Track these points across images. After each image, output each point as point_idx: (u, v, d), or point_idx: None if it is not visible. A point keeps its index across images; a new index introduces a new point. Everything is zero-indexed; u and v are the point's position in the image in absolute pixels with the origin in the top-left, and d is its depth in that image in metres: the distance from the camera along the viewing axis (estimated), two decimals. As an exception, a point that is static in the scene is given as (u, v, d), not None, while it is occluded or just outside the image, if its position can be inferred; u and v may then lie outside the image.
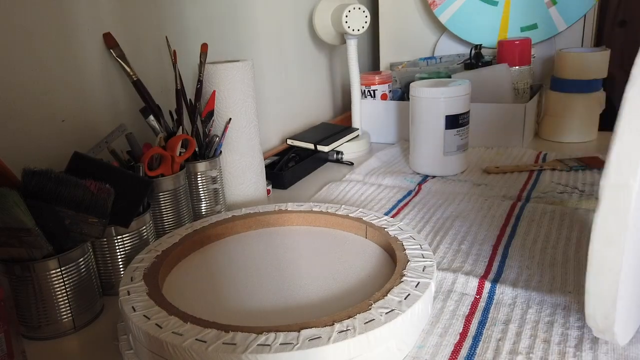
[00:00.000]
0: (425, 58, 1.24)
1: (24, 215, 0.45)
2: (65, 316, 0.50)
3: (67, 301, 0.49)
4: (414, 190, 0.82)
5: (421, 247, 0.52)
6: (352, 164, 0.99)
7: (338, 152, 1.01)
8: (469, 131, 0.99)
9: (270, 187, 0.86)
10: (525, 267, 0.56)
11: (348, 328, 0.39)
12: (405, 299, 0.43)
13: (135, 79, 0.68)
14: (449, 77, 1.06)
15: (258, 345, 0.37)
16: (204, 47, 0.71)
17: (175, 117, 0.70)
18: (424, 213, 0.72)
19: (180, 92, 0.70)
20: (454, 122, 0.83)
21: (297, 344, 0.37)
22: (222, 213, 0.64)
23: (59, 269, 0.48)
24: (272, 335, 0.38)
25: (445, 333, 0.46)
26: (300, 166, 0.93)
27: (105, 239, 0.55)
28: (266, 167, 0.88)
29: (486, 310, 0.49)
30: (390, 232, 0.56)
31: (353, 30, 1.01)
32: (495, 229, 0.65)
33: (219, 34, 0.88)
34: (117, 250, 0.56)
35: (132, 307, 0.43)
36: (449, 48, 1.27)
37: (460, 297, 0.51)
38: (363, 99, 1.13)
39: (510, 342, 0.44)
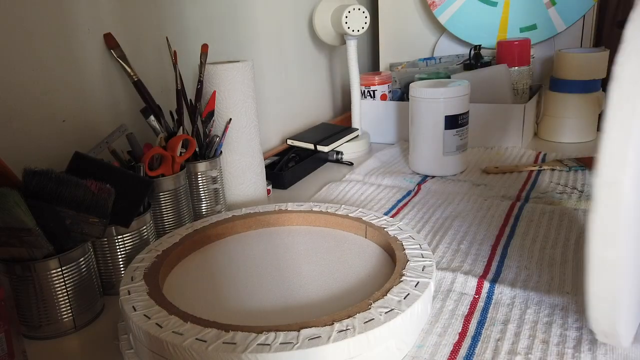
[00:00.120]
0: (425, 58, 1.24)
1: (24, 215, 0.45)
2: (65, 316, 0.50)
3: (67, 301, 0.49)
4: (414, 190, 0.82)
5: (420, 247, 0.52)
6: (351, 164, 0.99)
7: (338, 152, 1.01)
8: (469, 131, 0.99)
9: (270, 187, 0.86)
10: (524, 268, 0.56)
11: (348, 327, 0.39)
12: (404, 298, 0.43)
13: (135, 79, 0.68)
14: (449, 77, 1.07)
15: (258, 344, 0.38)
16: (204, 48, 0.71)
17: (175, 117, 0.70)
18: (424, 213, 0.72)
19: (180, 93, 0.70)
20: (453, 122, 0.83)
21: (297, 343, 0.37)
22: (222, 213, 0.64)
23: (60, 269, 0.48)
24: (272, 334, 0.39)
25: (445, 332, 0.46)
26: (300, 166, 0.93)
27: (105, 239, 0.55)
28: (266, 167, 0.88)
29: (485, 310, 0.49)
30: (389, 232, 0.56)
31: (353, 30, 1.01)
32: (494, 229, 0.66)
33: (219, 34, 0.88)
34: (118, 250, 0.56)
35: (133, 307, 0.43)
36: (448, 48, 1.27)
37: (460, 296, 0.51)
38: (363, 99, 1.13)
39: (509, 343, 0.44)
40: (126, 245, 0.56)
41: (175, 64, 0.69)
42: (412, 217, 0.71)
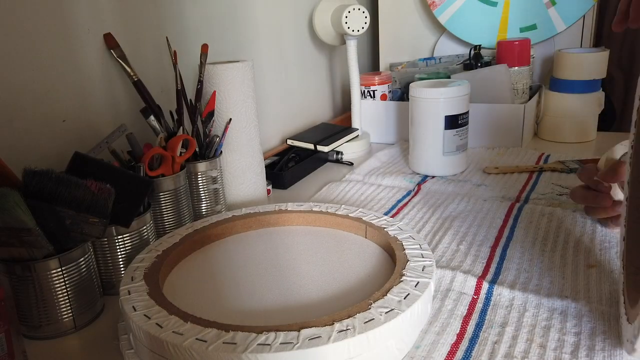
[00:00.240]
0: (425, 59, 1.25)
1: (24, 215, 0.45)
2: (65, 316, 0.50)
3: (67, 301, 0.49)
4: (414, 190, 0.82)
5: (420, 247, 0.52)
6: (351, 164, 0.99)
7: (338, 152, 1.01)
8: (468, 131, 0.99)
9: (270, 187, 0.86)
10: (523, 270, 0.56)
11: (348, 327, 0.39)
12: (404, 298, 0.43)
13: (135, 79, 0.68)
14: (449, 77, 1.07)
15: (258, 344, 0.38)
16: (204, 48, 0.71)
17: (175, 117, 0.70)
18: (423, 213, 0.72)
19: (180, 93, 0.70)
20: (453, 122, 0.83)
21: (297, 343, 0.37)
22: (222, 213, 0.64)
23: (60, 269, 0.48)
24: (272, 334, 0.39)
25: (443, 332, 0.46)
26: (300, 166, 0.93)
27: (105, 239, 0.55)
28: (266, 167, 0.88)
29: (483, 312, 0.49)
30: (389, 232, 0.56)
31: (353, 30, 1.01)
32: (493, 230, 0.66)
33: (219, 34, 0.88)
34: (118, 250, 0.56)
35: (133, 307, 0.43)
36: (448, 48, 1.27)
37: (459, 296, 0.51)
38: (363, 99, 1.13)
39: (506, 346, 0.44)
40: (126, 245, 0.56)
41: (175, 64, 0.69)
42: (412, 217, 0.71)
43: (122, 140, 0.63)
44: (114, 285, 0.57)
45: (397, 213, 0.73)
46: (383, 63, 1.36)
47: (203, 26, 0.84)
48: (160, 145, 0.65)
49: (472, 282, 0.53)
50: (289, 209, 0.64)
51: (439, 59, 1.23)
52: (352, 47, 1.05)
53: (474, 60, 1.12)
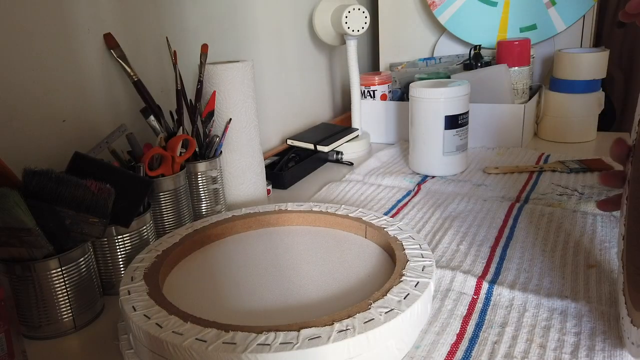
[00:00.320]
0: (425, 59, 1.24)
1: (24, 215, 0.45)
2: (65, 316, 0.50)
3: (67, 301, 0.49)
4: (414, 190, 0.82)
5: (420, 247, 0.52)
6: (351, 164, 0.99)
7: (338, 152, 1.01)
8: (468, 131, 0.99)
9: (270, 187, 0.86)
10: (522, 270, 0.56)
11: (348, 327, 0.39)
12: (404, 298, 0.43)
13: (135, 79, 0.68)
14: (449, 77, 1.07)
15: (258, 344, 0.38)
16: (204, 48, 0.71)
17: (175, 117, 0.70)
18: (423, 213, 0.72)
19: (180, 93, 0.70)
20: (453, 122, 0.83)
21: (297, 343, 0.37)
22: (222, 213, 0.64)
23: (60, 269, 0.48)
24: (272, 334, 0.39)
25: (443, 332, 0.46)
26: (300, 166, 0.93)
27: (105, 239, 0.55)
28: (266, 167, 0.88)
29: (483, 312, 0.49)
30: (389, 232, 0.56)
31: (353, 30, 1.01)
32: (493, 230, 0.66)
33: (219, 34, 0.88)
34: (118, 250, 0.56)
35: (133, 307, 0.43)
36: (448, 49, 1.27)
37: (459, 296, 0.51)
38: (363, 99, 1.13)
39: (506, 346, 0.44)
40: (126, 245, 0.56)
41: (175, 64, 0.69)
42: (412, 217, 0.71)
43: (122, 140, 0.63)
44: (114, 285, 0.57)
45: (397, 213, 0.73)
46: (383, 63, 1.36)
47: (203, 26, 0.84)
48: (160, 145, 0.65)
49: (472, 282, 0.53)
50: (289, 209, 0.64)
51: (439, 59, 1.23)
52: (352, 47, 1.05)
53: (474, 60, 1.12)
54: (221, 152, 0.74)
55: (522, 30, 1.16)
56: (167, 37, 0.73)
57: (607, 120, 1.44)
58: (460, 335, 0.45)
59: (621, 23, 1.55)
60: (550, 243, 0.61)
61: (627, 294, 0.42)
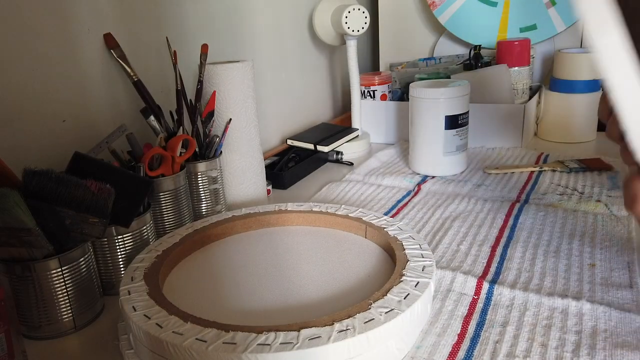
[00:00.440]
0: (425, 59, 1.24)
1: (24, 215, 0.45)
2: (65, 316, 0.50)
3: (67, 301, 0.49)
4: (414, 190, 0.82)
5: (420, 247, 0.52)
6: (351, 164, 0.99)
7: (338, 153, 1.01)
8: (468, 131, 0.99)
9: (270, 187, 0.86)
10: (523, 269, 0.56)
11: (348, 328, 0.39)
12: (404, 298, 0.43)
13: (135, 79, 0.68)
14: (449, 77, 1.07)
15: (258, 344, 0.38)
16: (204, 48, 0.71)
17: (175, 117, 0.70)
18: (423, 213, 0.72)
19: (180, 93, 0.70)
20: (453, 122, 0.83)
21: (297, 343, 0.37)
22: (222, 213, 0.64)
23: (60, 269, 0.48)
24: (272, 334, 0.39)
25: (444, 333, 0.46)
26: (300, 166, 0.93)
27: (105, 239, 0.55)
28: (266, 167, 0.88)
29: (484, 311, 0.49)
30: (389, 232, 0.56)
31: (353, 30, 1.01)
32: (494, 230, 0.66)
33: (219, 35, 0.88)
34: (118, 250, 0.56)
35: (133, 307, 0.43)
36: (448, 49, 1.27)
37: (459, 297, 0.51)
38: (363, 99, 1.13)
39: (507, 345, 0.44)
40: (126, 245, 0.56)
41: (175, 64, 0.69)
42: (412, 217, 0.71)
43: (122, 140, 0.63)
44: (114, 285, 0.57)
45: (397, 213, 0.73)
46: (383, 63, 1.36)
47: (203, 26, 0.84)
48: (160, 145, 0.65)
49: (472, 282, 0.53)
50: (289, 209, 0.64)
51: (439, 59, 1.23)
52: (352, 47, 1.05)
53: (474, 60, 1.12)
54: (221, 152, 0.74)
55: (522, 30, 1.16)
56: (167, 37, 0.73)
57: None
58: (461, 335, 0.45)
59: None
60: (551, 242, 0.61)
61: None
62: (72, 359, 0.47)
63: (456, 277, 0.54)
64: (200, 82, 0.72)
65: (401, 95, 1.16)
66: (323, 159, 1.01)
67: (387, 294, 0.43)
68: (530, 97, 1.06)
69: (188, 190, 0.68)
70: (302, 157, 0.97)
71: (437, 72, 1.11)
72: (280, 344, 0.38)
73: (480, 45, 1.14)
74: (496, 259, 0.58)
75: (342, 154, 1.01)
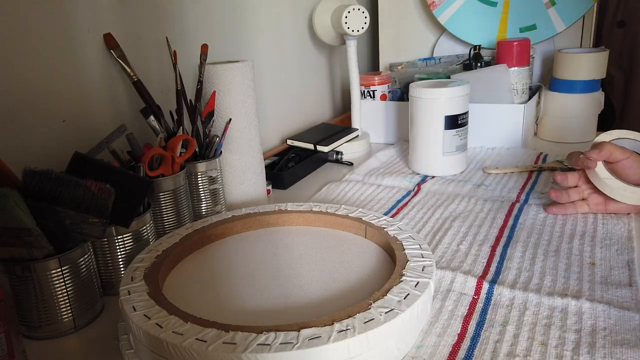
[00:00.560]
0: (425, 59, 1.24)
1: (24, 215, 0.45)
2: (65, 316, 0.50)
3: (67, 301, 0.49)
4: (413, 190, 0.82)
5: (420, 247, 0.52)
6: (351, 164, 0.99)
7: (338, 153, 1.01)
8: (468, 131, 0.99)
9: (270, 187, 0.86)
10: (523, 269, 0.56)
11: (348, 327, 0.39)
12: (404, 298, 0.43)
13: (135, 79, 0.68)
14: (448, 77, 1.07)
15: (258, 344, 0.38)
16: (204, 48, 0.71)
17: (175, 117, 0.70)
18: (423, 213, 0.72)
19: (180, 93, 0.70)
20: (453, 122, 0.83)
21: (297, 343, 0.37)
22: (222, 213, 0.64)
23: (60, 269, 0.48)
24: (272, 334, 0.39)
25: (444, 333, 0.46)
26: (300, 166, 0.93)
27: (105, 239, 0.55)
28: (266, 167, 0.88)
29: (484, 311, 0.49)
30: (389, 232, 0.56)
31: (353, 31, 1.01)
32: (494, 230, 0.66)
33: (219, 34, 0.88)
34: (118, 250, 0.56)
35: (133, 307, 0.43)
36: (448, 49, 1.27)
37: (459, 297, 0.51)
38: (363, 99, 1.13)
39: (507, 344, 0.44)
40: (126, 245, 0.56)
41: (175, 64, 0.69)
42: (412, 217, 0.71)
43: (122, 140, 0.63)
44: (114, 285, 0.57)
45: (397, 213, 0.73)
46: (383, 63, 1.36)
47: (203, 26, 0.84)
48: (160, 145, 0.65)
49: (472, 282, 0.53)
50: (288, 209, 0.64)
51: (439, 59, 1.23)
52: (352, 47, 1.05)
53: (474, 60, 1.12)
54: (221, 152, 0.74)
55: (522, 30, 1.16)
56: (167, 37, 0.73)
57: (607, 120, 1.44)
58: (461, 335, 0.46)
59: (621, 23, 1.55)
60: (551, 242, 0.61)
61: None
62: (72, 359, 0.47)
63: (456, 277, 0.54)
64: (200, 82, 0.72)
65: (401, 95, 1.16)
66: (323, 159, 1.01)
67: (387, 294, 0.44)
68: (530, 97, 1.06)
69: (188, 190, 0.68)
70: (302, 157, 0.97)
71: (437, 72, 1.11)
72: (280, 344, 0.38)
73: (480, 45, 1.14)
74: (496, 258, 0.58)
75: (342, 154, 1.01)
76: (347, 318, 0.40)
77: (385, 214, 0.73)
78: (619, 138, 0.67)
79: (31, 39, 0.59)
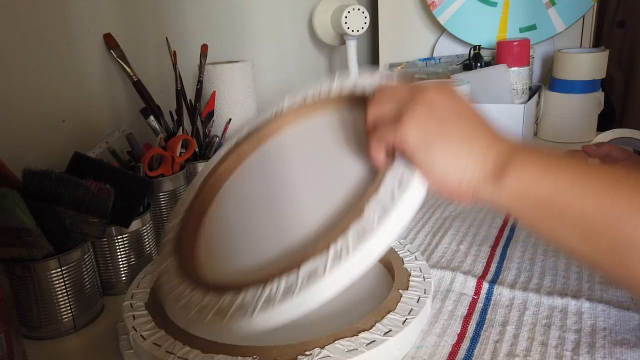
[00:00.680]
0: (425, 59, 1.24)
1: (24, 215, 0.45)
2: (65, 316, 0.50)
3: (67, 301, 0.49)
4: (413, 190, 0.82)
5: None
6: (351, 164, 0.99)
7: (337, 153, 1.01)
8: (468, 132, 0.99)
9: (269, 187, 0.86)
10: (523, 269, 0.56)
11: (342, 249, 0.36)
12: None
13: (135, 79, 0.68)
14: (448, 77, 1.07)
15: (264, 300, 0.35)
16: (204, 48, 0.71)
17: (175, 117, 0.70)
18: (423, 213, 0.72)
19: (180, 93, 0.70)
20: (453, 122, 0.83)
21: (298, 285, 0.35)
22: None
23: (60, 269, 0.48)
24: (275, 283, 0.36)
25: (444, 333, 0.46)
26: (299, 166, 0.93)
27: (105, 239, 0.55)
28: (266, 167, 0.88)
29: (484, 311, 0.49)
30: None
31: (352, 31, 1.01)
32: (494, 230, 0.65)
33: (218, 35, 0.88)
34: (118, 250, 0.56)
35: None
36: (448, 49, 1.27)
37: (459, 297, 0.51)
38: (362, 99, 1.13)
39: (507, 344, 0.44)
40: (126, 245, 0.56)
41: (175, 64, 0.69)
42: (412, 217, 0.71)
43: (122, 140, 0.63)
44: (114, 286, 0.57)
45: (397, 213, 0.73)
46: (383, 63, 1.36)
47: (203, 27, 0.84)
48: (160, 145, 0.65)
49: (472, 282, 0.53)
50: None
51: (439, 59, 1.23)
52: (351, 47, 1.05)
53: (474, 60, 1.12)
54: (221, 152, 0.74)
55: (521, 30, 1.16)
56: (166, 37, 0.73)
57: (607, 121, 1.44)
58: (461, 335, 0.45)
59: (621, 23, 1.55)
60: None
61: None
62: (72, 359, 0.47)
63: (456, 277, 0.54)
64: (200, 82, 0.72)
65: (401, 95, 1.16)
66: (323, 159, 1.01)
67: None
68: (530, 97, 1.06)
69: (188, 190, 0.68)
70: (302, 157, 0.97)
71: (437, 72, 1.11)
72: (283, 292, 0.35)
73: (480, 45, 1.14)
74: (496, 258, 0.58)
75: (341, 154, 1.01)
76: (341, 235, 0.36)
77: (385, 214, 0.73)
78: (619, 137, 0.67)
79: (31, 39, 0.59)
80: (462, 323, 0.47)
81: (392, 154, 0.39)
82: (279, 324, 0.35)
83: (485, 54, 1.14)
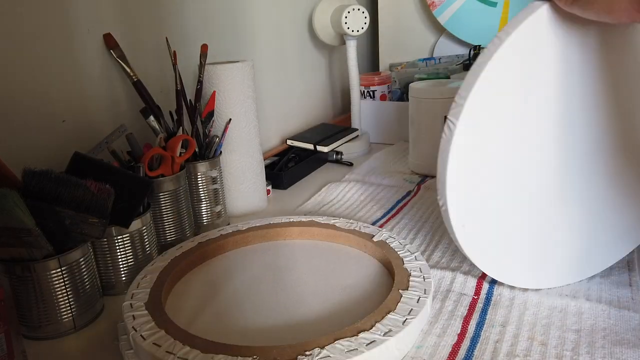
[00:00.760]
0: (425, 59, 1.25)
1: (24, 215, 0.45)
2: (65, 316, 0.50)
3: (67, 301, 0.49)
4: (413, 190, 0.82)
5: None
6: (351, 164, 0.99)
7: (337, 153, 1.01)
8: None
9: (270, 188, 0.86)
10: (523, 268, 0.56)
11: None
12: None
13: (135, 79, 0.68)
14: (448, 77, 1.07)
15: None
16: (204, 48, 0.71)
17: (175, 117, 0.70)
18: (423, 213, 0.72)
19: (180, 93, 0.70)
20: (453, 122, 0.83)
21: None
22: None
23: (60, 269, 0.48)
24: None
25: (444, 333, 0.46)
26: (299, 166, 0.93)
27: (105, 239, 0.55)
28: (266, 167, 0.88)
29: (484, 311, 0.49)
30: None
31: (352, 31, 1.01)
32: (494, 230, 0.65)
33: (218, 35, 0.88)
34: (118, 250, 0.56)
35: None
36: (448, 49, 1.27)
37: (459, 297, 0.51)
38: (362, 99, 1.13)
39: (507, 344, 0.44)
40: (126, 245, 0.56)
41: (175, 64, 0.69)
42: (412, 217, 0.71)
43: (122, 140, 0.63)
44: (113, 286, 0.57)
45: (396, 213, 0.73)
46: (383, 63, 1.37)
47: (203, 26, 0.84)
48: (160, 145, 0.65)
49: (472, 282, 0.53)
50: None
51: (439, 59, 1.23)
52: (351, 47, 1.05)
53: (474, 60, 1.12)
54: (221, 152, 0.74)
55: (521, 30, 1.16)
56: (166, 37, 0.73)
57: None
58: (461, 335, 0.45)
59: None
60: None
61: None
62: (72, 359, 0.47)
63: (456, 277, 0.54)
64: (200, 82, 0.72)
65: (401, 95, 1.16)
66: (323, 159, 1.01)
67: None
68: (530, 97, 1.06)
69: (188, 190, 0.68)
70: (302, 157, 0.97)
71: (437, 72, 1.11)
72: None
73: (480, 46, 1.14)
74: (496, 259, 0.58)
75: (341, 154, 1.01)
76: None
77: (385, 214, 0.73)
78: None
79: (31, 39, 0.59)
80: (462, 323, 0.47)
81: None
82: None
83: (485, 54, 1.14)
